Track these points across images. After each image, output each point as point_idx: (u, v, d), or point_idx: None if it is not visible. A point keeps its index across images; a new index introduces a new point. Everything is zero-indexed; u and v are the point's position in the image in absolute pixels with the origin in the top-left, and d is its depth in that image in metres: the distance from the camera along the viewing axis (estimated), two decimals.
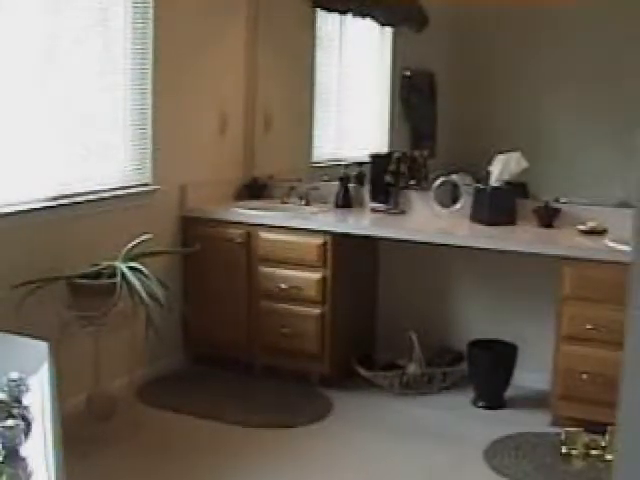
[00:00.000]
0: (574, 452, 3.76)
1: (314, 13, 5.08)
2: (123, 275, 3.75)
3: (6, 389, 1.82)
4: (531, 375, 4.42)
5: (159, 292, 3.78)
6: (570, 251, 3.94)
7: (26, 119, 3.75)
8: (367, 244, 4.66)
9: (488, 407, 4.33)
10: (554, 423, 4.06)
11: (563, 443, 3.78)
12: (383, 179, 4.72)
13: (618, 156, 4.38)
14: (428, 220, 4.56)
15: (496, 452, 3.81)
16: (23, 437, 1.65)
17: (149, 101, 4.37)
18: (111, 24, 4.16)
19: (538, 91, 4.63)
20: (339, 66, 5.26)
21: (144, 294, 3.72)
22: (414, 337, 4.51)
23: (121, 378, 4.10)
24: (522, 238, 4.20)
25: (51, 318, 3.61)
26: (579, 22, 4.42)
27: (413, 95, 5.03)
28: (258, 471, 3.63)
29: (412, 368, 4.50)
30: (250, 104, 5.13)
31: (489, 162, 4.44)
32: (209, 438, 3.94)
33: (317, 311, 4.45)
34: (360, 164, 4.92)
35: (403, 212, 4.71)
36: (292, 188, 4.94)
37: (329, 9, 5.08)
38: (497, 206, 4.39)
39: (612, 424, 2.38)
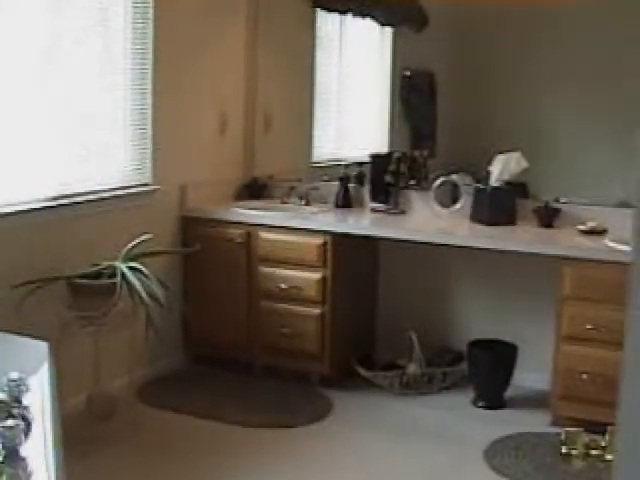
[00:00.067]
0: (574, 452, 3.76)
1: (314, 13, 5.08)
2: (123, 275, 3.75)
3: (6, 389, 1.82)
4: (531, 375, 4.42)
5: (159, 292, 3.78)
6: (570, 251, 3.94)
7: (26, 119, 3.75)
8: (367, 244, 4.66)
9: (488, 407, 4.33)
10: (554, 423, 4.06)
11: (563, 443, 3.78)
12: (383, 179, 4.72)
13: (618, 156, 4.38)
14: (428, 220, 4.56)
15: (496, 452, 3.81)
16: (23, 437, 1.65)
17: (149, 101, 4.37)
18: (111, 24, 4.16)
19: (538, 91, 4.63)
20: (339, 66, 5.26)
21: (144, 294, 3.72)
22: (414, 337, 4.51)
23: (121, 378, 4.10)
24: (522, 238, 4.20)
25: (51, 318, 3.61)
26: (579, 22, 4.42)
27: (413, 95, 5.03)
28: (258, 471, 3.63)
29: (412, 368, 4.50)
30: (250, 104, 5.13)
31: (489, 162, 4.44)
32: (209, 438, 3.94)
33: (317, 311, 4.46)
34: (360, 164, 4.92)
35: (403, 212, 4.71)
36: (292, 188, 4.94)
37: (329, 9, 5.08)
38: (497, 206, 4.39)
39: (612, 424, 2.38)
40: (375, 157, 4.85)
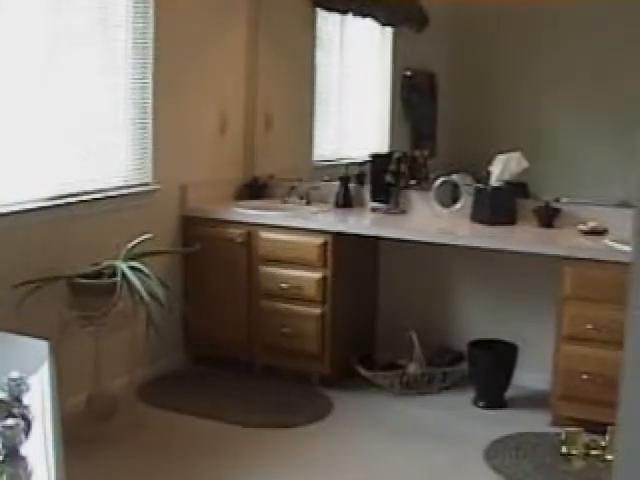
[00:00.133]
0: (574, 452, 3.76)
1: (314, 13, 5.08)
2: (123, 275, 3.75)
3: (6, 388, 1.82)
4: (531, 375, 4.42)
5: (159, 292, 3.78)
6: (570, 251, 3.94)
7: (26, 119, 3.76)
8: (367, 244, 4.66)
9: (488, 407, 4.33)
10: (554, 423, 4.06)
11: (563, 443, 3.78)
12: (383, 179, 4.72)
13: (618, 156, 4.38)
14: (428, 220, 4.56)
15: (496, 452, 3.81)
16: (23, 436, 1.65)
17: (149, 101, 4.37)
18: (112, 24, 4.16)
19: (538, 91, 4.63)
20: (339, 66, 5.26)
21: (144, 294, 3.72)
22: (414, 337, 4.51)
23: (121, 378, 4.11)
24: (522, 238, 4.20)
25: (51, 318, 3.61)
26: (579, 22, 4.42)
27: (413, 95, 5.04)
28: (258, 471, 3.63)
29: (412, 368, 4.50)
30: (250, 104, 5.13)
31: (489, 162, 4.44)
32: (209, 438, 3.94)
33: (317, 311, 4.46)
34: (361, 164, 4.92)
35: (403, 212, 4.71)
36: (292, 188, 4.94)
37: (330, 9, 5.09)
38: (497, 206, 4.39)
39: (612, 424, 2.38)
40: (375, 157, 4.85)
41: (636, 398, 2.03)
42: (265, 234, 4.52)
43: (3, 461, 1.59)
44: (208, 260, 4.62)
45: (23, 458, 1.60)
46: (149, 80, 4.35)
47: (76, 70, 3.98)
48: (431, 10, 4.80)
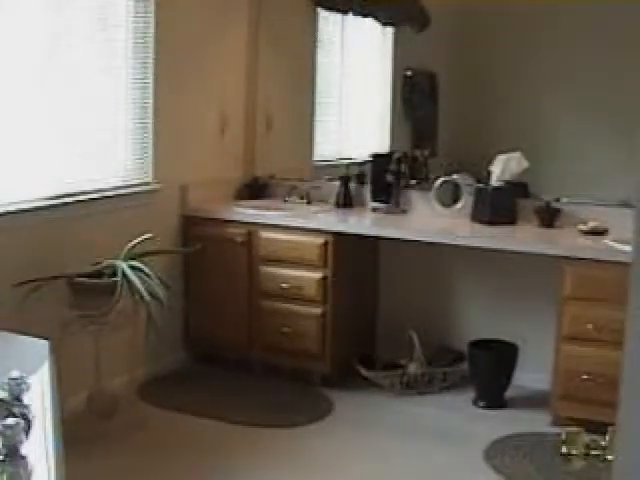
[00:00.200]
0: (574, 452, 3.74)
1: (315, 13, 5.08)
2: (124, 274, 3.75)
3: (7, 388, 1.82)
4: (531, 375, 4.42)
5: (160, 291, 3.79)
6: (571, 251, 3.94)
7: (27, 118, 3.76)
8: (368, 244, 4.66)
9: (488, 407, 4.33)
10: (554, 423, 4.06)
11: (563, 443, 3.76)
12: (384, 179, 4.72)
13: (618, 156, 4.38)
14: (429, 220, 4.56)
15: (496, 452, 3.82)
16: (24, 436, 1.65)
17: (150, 101, 4.38)
18: (112, 24, 4.16)
19: (538, 91, 4.64)
20: (340, 66, 5.26)
21: (145, 293, 3.72)
22: (415, 337, 4.51)
23: (122, 377, 4.11)
24: (523, 238, 4.20)
25: (52, 317, 3.61)
26: (579, 22, 4.42)
27: (414, 95, 5.04)
28: (258, 471, 3.63)
29: (413, 368, 4.50)
30: (251, 104, 5.13)
31: (490, 162, 4.44)
32: (209, 437, 3.94)
33: (318, 311, 4.46)
34: (361, 164, 4.92)
35: (404, 212, 4.71)
36: (293, 187, 4.94)
37: (330, 9, 5.09)
38: (498, 206, 4.39)
39: (612, 424, 2.38)
40: (376, 157, 4.85)
41: (636, 398, 2.03)
42: (265, 234, 4.52)
43: (3, 460, 1.59)
44: (208, 260, 4.62)
45: (23, 457, 1.60)
46: (149, 80, 4.36)
47: (76, 70, 3.98)
48: (432, 10, 4.80)
